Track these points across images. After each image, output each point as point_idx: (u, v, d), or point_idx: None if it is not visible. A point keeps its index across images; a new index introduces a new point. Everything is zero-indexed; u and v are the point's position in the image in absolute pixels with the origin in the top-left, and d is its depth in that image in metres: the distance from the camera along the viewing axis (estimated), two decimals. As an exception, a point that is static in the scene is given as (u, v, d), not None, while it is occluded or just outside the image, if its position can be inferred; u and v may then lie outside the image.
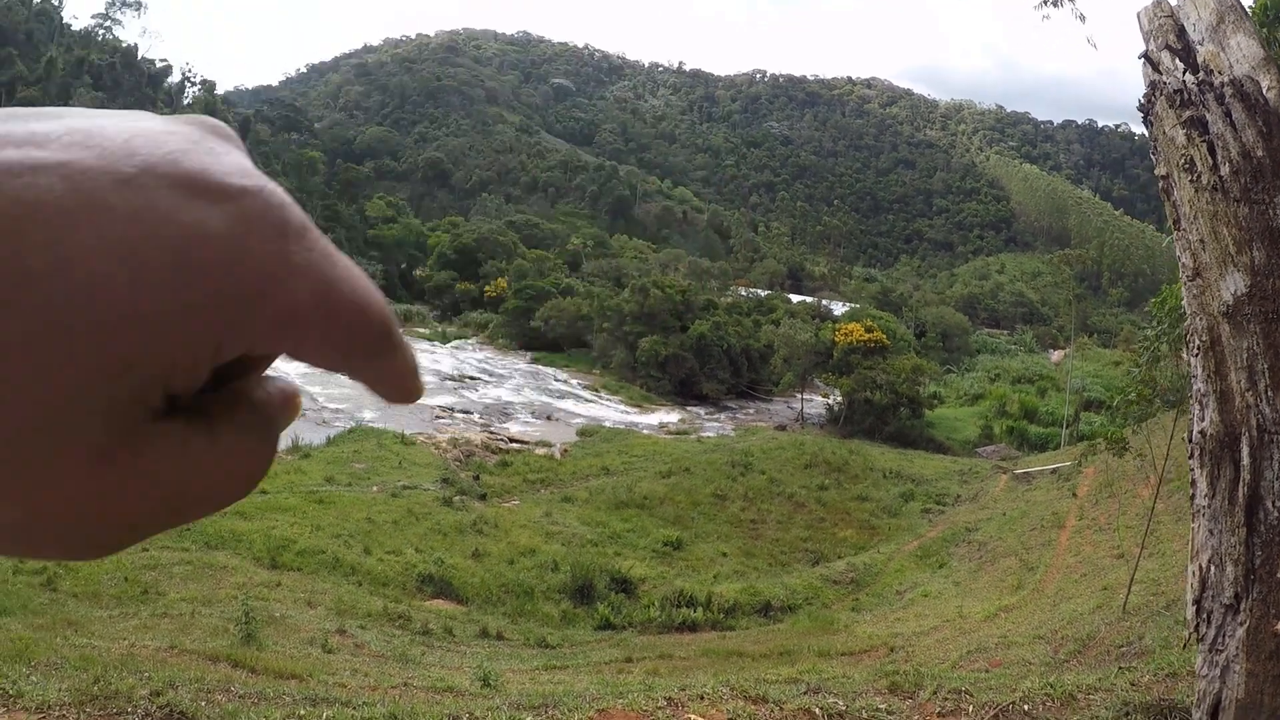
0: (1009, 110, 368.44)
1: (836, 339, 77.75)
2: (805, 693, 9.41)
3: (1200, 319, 3.45)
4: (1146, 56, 3.57)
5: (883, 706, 8.96)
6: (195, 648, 17.53)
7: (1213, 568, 3.57)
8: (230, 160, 0.42)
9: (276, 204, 0.43)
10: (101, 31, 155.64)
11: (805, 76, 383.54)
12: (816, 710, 8.60)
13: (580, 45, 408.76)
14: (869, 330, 78.27)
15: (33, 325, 0.37)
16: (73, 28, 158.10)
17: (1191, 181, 3.36)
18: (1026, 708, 8.66)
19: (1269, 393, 3.33)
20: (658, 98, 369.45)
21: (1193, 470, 3.71)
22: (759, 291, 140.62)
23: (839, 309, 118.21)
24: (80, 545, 0.43)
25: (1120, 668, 11.51)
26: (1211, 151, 3.27)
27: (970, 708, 8.88)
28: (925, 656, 20.28)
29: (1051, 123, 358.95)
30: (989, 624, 24.57)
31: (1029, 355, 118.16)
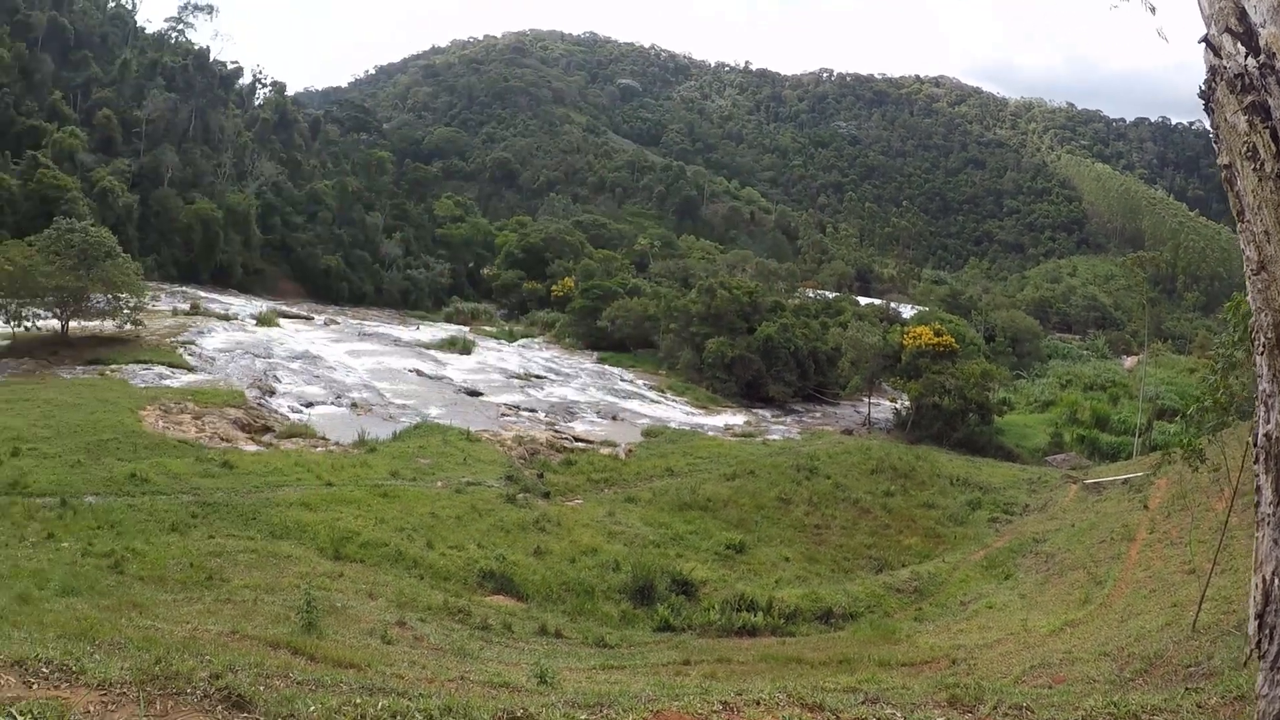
0: (1080, 108, 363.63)
1: (905, 342, 76.90)
2: (863, 702, 9.35)
3: (1265, 315, 3.35)
4: (1207, 40, 3.47)
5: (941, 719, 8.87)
6: (256, 634, 17.75)
7: (1277, 580, 3.49)
8: None
9: None
10: (174, 34, 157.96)
11: (872, 75, 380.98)
12: (873, 720, 8.53)
13: (646, 45, 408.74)
14: (938, 334, 77.37)
15: None
16: (146, 31, 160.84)
17: (1255, 170, 3.24)
18: (1089, 726, 8.54)
19: (1337, 393, 3.23)
20: (724, 97, 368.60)
21: (1258, 476, 3.62)
22: (826, 293, 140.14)
23: (908, 312, 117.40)
24: None
25: (1187, 689, 11.32)
26: (1275, 138, 3.15)
27: (1031, 723, 8.78)
28: (987, 670, 20.06)
29: (1124, 120, 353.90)
30: (1054, 638, 24.21)
31: (1101, 361, 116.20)
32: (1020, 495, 53.96)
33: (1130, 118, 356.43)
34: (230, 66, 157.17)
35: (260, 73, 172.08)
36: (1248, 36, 3.34)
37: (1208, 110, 3.52)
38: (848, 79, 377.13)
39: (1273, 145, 3.16)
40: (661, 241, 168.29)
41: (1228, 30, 3.41)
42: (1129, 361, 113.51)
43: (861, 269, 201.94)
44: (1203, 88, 3.46)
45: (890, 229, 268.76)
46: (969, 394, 66.71)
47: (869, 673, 19.36)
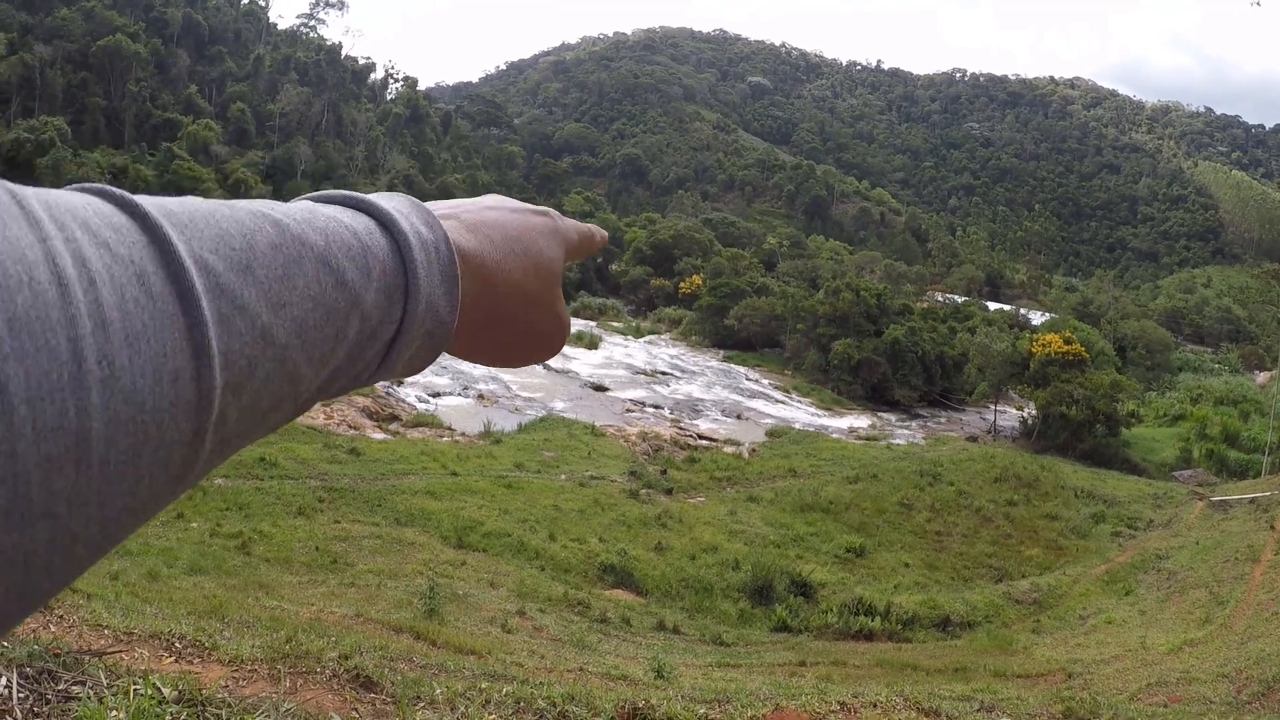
0: (1218, 113, 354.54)
1: (1034, 350, 75.25)
2: (978, 710, 9.32)
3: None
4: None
5: (1056, 731, 8.81)
6: (380, 618, 18.13)
7: None
8: (524, 204, 0.93)
9: (555, 212, 0.95)
10: (306, 30, 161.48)
11: (1006, 76, 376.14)
12: (989, 727, 8.49)
13: (777, 43, 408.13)
14: (1068, 342, 75.66)
15: (543, 257, 0.87)
16: (279, 27, 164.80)
17: None
18: (1203, 745, 8.42)
19: None
20: (855, 97, 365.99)
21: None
22: (955, 297, 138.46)
23: (1037, 318, 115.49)
24: (556, 347, 0.93)
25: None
26: None
27: (1146, 739, 8.67)
28: (1103, 686, 19.76)
29: (1263, 127, 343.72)
30: (1172, 657, 23.78)
31: (1233, 375, 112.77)
32: (1145, 510, 52.72)
33: (1270, 124, 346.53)
34: (362, 61, 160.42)
35: (392, 68, 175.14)
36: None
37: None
38: (981, 79, 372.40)
39: None
40: (790, 241, 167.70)
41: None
42: (1262, 377, 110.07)
43: (991, 274, 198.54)
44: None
45: (1021, 233, 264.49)
46: (1097, 405, 65.33)
47: (984, 682, 19.20)
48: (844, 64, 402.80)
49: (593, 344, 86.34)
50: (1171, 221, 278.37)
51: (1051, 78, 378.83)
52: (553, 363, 73.26)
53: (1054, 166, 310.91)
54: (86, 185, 0.58)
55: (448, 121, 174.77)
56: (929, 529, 47.36)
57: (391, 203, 0.71)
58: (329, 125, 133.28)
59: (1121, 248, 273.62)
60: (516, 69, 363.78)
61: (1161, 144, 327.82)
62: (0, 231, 0.45)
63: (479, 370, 66.80)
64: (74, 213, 0.51)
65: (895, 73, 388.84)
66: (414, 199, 0.74)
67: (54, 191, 0.52)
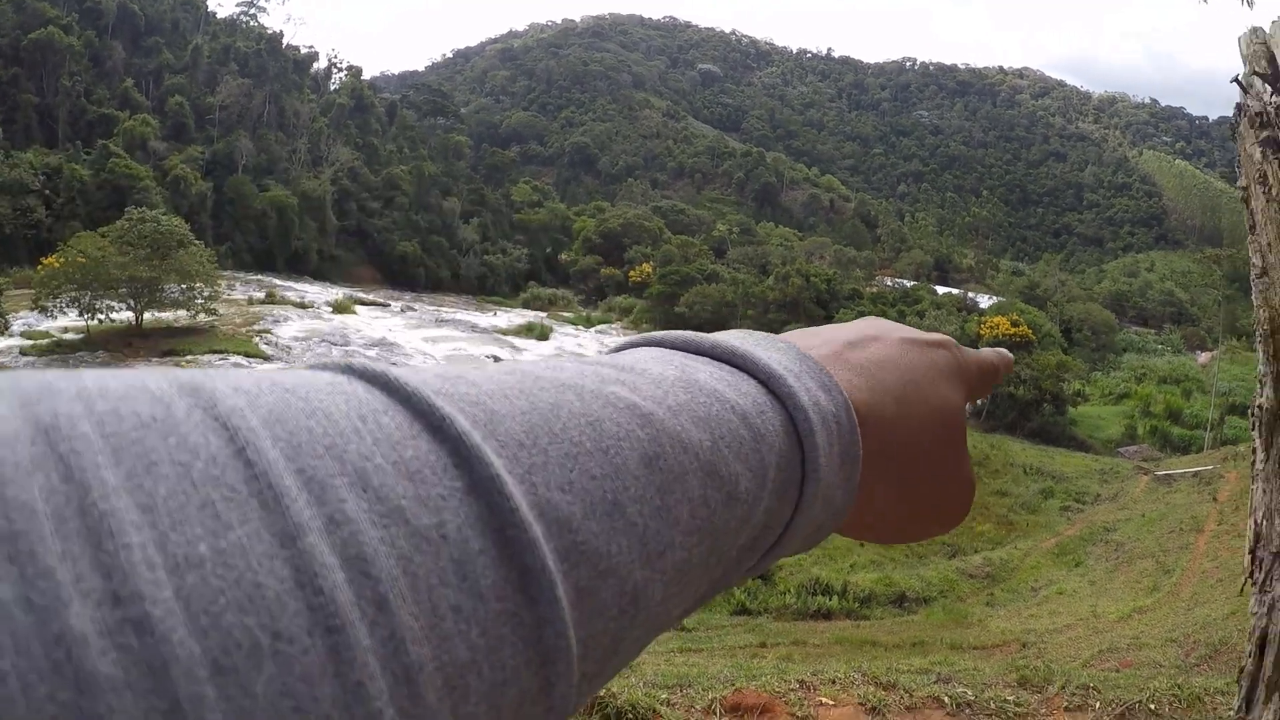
0: (1163, 105, 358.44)
1: (982, 332, 75.98)
2: (935, 682, 9.57)
3: (1264, 311, 3.86)
4: (1238, 80, 3.94)
5: (1010, 698, 9.09)
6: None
7: (1265, 522, 3.87)
8: (914, 329, 0.72)
9: (952, 339, 0.74)
10: (246, 19, 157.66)
11: (956, 65, 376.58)
12: (945, 698, 8.77)
13: (727, 31, 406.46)
14: (1015, 324, 76.58)
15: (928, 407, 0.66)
16: (217, 16, 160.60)
17: (1264, 193, 3.75)
18: (1153, 706, 8.72)
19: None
20: (806, 84, 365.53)
21: (1254, 439, 4.03)
22: (905, 282, 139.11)
23: (985, 302, 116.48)
24: (959, 515, 0.69)
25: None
26: (1282, 168, 3.67)
27: (1097, 704, 8.96)
28: (1056, 654, 20.12)
29: (1207, 118, 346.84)
30: (1122, 625, 24.21)
31: (1175, 355, 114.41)
32: (1092, 485, 53.48)
33: (1213, 116, 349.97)
34: (305, 51, 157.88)
35: (336, 57, 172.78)
36: (1274, 79, 3.80)
37: (1233, 139, 3.99)
38: (931, 68, 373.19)
39: None
40: (740, 228, 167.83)
41: (1255, 73, 3.85)
42: (1203, 357, 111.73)
43: (940, 258, 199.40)
44: (1231, 120, 3.93)
45: (970, 219, 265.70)
46: (1044, 384, 66.18)
47: (941, 655, 19.47)
48: (794, 51, 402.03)
49: (543, 335, 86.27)
50: (1116, 208, 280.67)
51: (1000, 68, 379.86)
52: (504, 355, 72.84)
53: (1002, 154, 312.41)
54: (358, 368, 0.38)
55: (393, 111, 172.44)
56: (882, 509, 47.70)
57: (775, 355, 0.55)
58: (271, 117, 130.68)
59: (1067, 233, 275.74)
60: (463, 57, 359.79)
61: (1108, 134, 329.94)
62: (210, 542, 0.25)
63: (429, 365, 66.19)
64: (341, 453, 0.30)
65: (845, 61, 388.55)
66: (798, 347, 0.58)
67: (301, 392, 0.32)
